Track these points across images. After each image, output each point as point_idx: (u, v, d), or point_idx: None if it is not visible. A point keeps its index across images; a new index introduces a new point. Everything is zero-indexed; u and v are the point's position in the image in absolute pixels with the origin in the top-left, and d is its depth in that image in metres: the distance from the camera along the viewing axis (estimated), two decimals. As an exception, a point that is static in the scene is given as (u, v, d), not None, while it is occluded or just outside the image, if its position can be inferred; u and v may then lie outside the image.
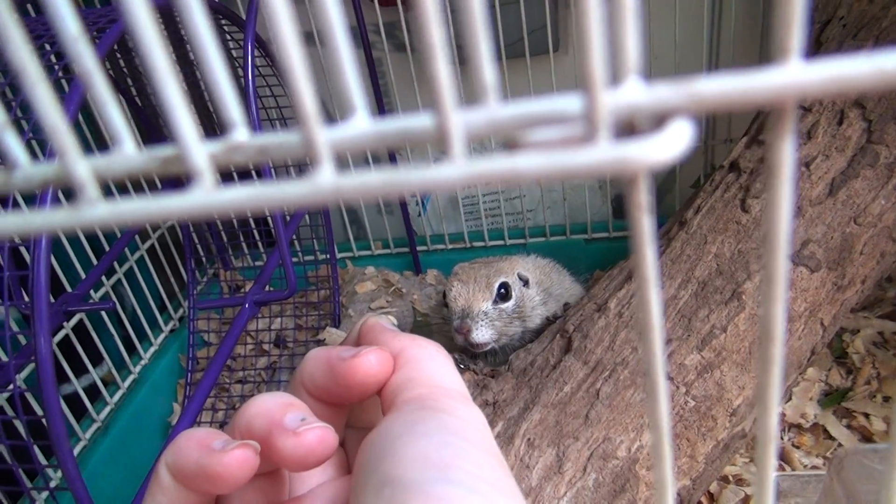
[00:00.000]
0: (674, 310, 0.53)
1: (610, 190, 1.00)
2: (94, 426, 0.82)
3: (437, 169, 0.12)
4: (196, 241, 1.00)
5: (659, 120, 0.12)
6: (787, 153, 0.12)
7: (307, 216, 0.94)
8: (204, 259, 1.04)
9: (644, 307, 0.15)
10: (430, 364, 0.24)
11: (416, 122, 0.13)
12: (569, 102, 0.12)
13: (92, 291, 0.84)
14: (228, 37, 0.73)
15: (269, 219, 1.03)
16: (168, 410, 0.93)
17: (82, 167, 0.14)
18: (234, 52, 0.82)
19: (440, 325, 0.65)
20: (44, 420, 0.35)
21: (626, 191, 0.13)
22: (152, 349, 0.95)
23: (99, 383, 0.84)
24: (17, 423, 0.53)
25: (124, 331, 0.89)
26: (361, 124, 0.13)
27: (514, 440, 0.50)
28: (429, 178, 0.12)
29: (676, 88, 0.12)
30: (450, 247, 1.04)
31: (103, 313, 0.85)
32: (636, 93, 0.12)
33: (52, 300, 0.64)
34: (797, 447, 0.70)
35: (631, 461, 0.48)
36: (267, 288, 0.66)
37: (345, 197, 0.13)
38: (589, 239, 0.99)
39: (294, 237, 0.89)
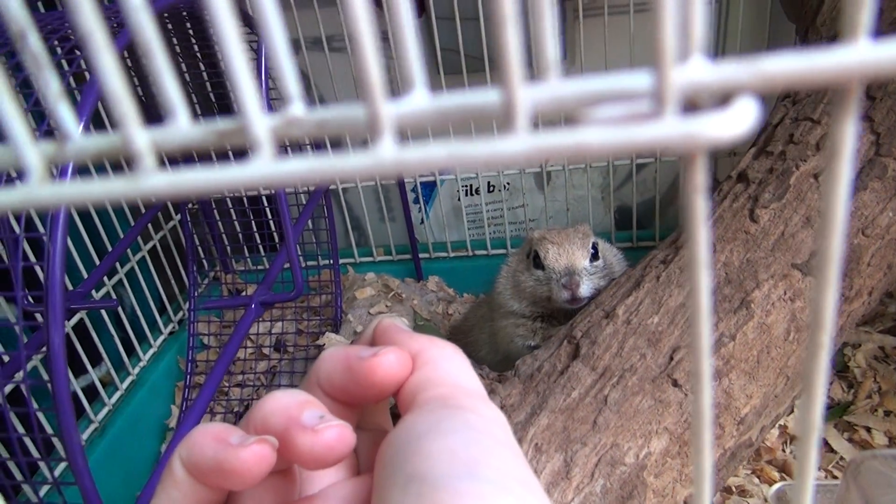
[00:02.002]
0: (682, 317, 0.53)
1: (612, 201, 1.01)
2: (92, 427, 0.81)
3: (502, 142, 0.12)
4: (198, 243, 1.00)
5: (721, 99, 0.12)
6: (849, 133, 0.12)
7: (310, 221, 0.94)
8: (205, 262, 1.04)
9: (695, 293, 0.15)
10: (450, 364, 0.24)
11: (480, 97, 0.13)
12: (636, 79, 0.12)
13: (93, 291, 0.83)
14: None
15: (270, 221, 1.03)
16: (166, 413, 0.92)
17: (142, 137, 0.14)
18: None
19: (534, 287, 0.68)
20: (37, 414, 0.35)
21: (684, 170, 0.13)
22: (151, 351, 0.94)
23: (97, 384, 0.83)
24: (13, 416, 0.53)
25: (123, 332, 0.89)
26: (421, 100, 0.14)
27: (521, 445, 0.50)
28: (493, 150, 0.12)
29: (743, 66, 0.12)
30: (452, 254, 1.04)
31: (104, 313, 0.85)
32: (702, 70, 0.12)
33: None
34: (799, 460, 0.70)
35: (639, 468, 0.48)
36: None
37: (407, 170, 0.13)
38: (591, 249, 1.00)
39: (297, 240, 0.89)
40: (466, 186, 1.03)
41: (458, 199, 1.04)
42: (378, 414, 0.28)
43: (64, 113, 0.15)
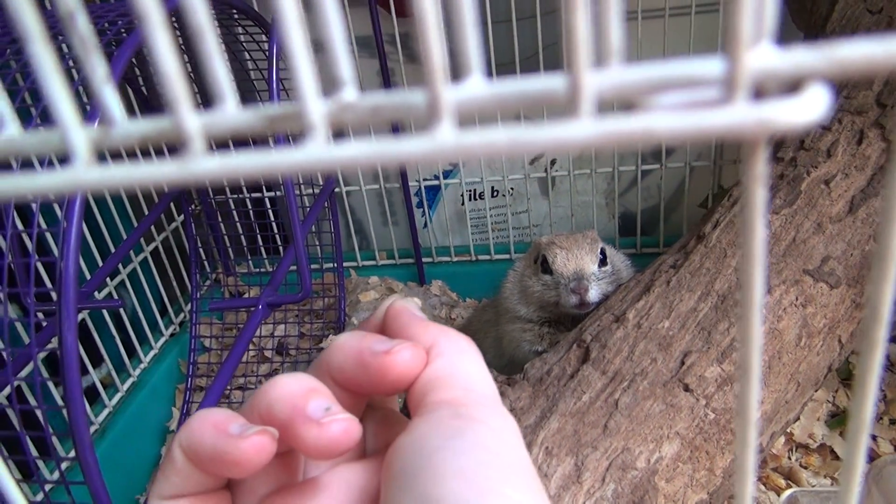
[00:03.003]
0: (693, 322, 0.53)
1: (617, 207, 1.01)
2: (92, 429, 0.80)
3: (566, 127, 0.12)
4: (200, 245, 0.99)
5: (789, 86, 0.12)
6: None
7: (312, 225, 0.93)
8: (206, 264, 1.04)
9: (747, 287, 0.15)
10: (462, 360, 0.24)
11: (542, 82, 0.13)
12: (706, 65, 0.12)
13: (95, 292, 0.83)
14: (243, 30, 0.73)
15: (273, 224, 1.03)
16: (167, 415, 0.92)
17: (193, 121, 0.14)
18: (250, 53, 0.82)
19: (542, 292, 0.68)
20: (36, 413, 0.35)
21: (744, 160, 0.13)
22: (152, 353, 0.93)
23: (98, 385, 0.83)
24: (11, 414, 0.52)
25: (124, 333, 0.88)
26: (479, 86, 0.13)
27: (531, 448, 0.50)
28: (556, 135, 0.12)
29: (815, 53, 0.12)
30: (455, 259, 1.04)
31: (105, 314, 0.84)
32: (773, 56, 0.12)
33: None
34: (805, 467, 0.70)
35: (650, 472, 0.48)
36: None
37: (467, 154, 0.13)
38: (595, 255, 0.99)
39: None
40: (470, 191, 1.03)
41: (462, 204, 1.04)
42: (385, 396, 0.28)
43: (109, 97, 0.15)
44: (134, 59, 0.82)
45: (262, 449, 0.21)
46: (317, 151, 0.13)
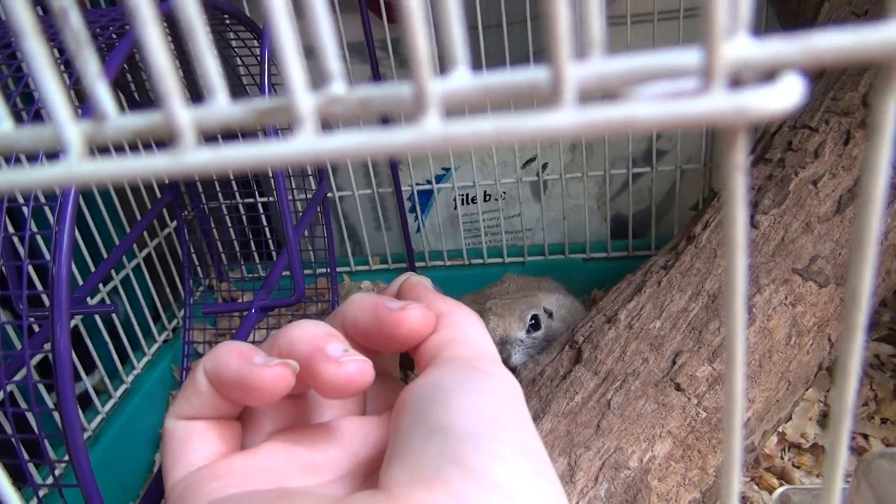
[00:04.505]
0: (684, 322, 0.53)
1: (609, 211, 1.01)
2: (85, 436, 0.80)
3: (549, 116, 0.13)
4: (193, 251, 0.99)
5: (764, 75, 0.13)
6: (891, 111, 0.12)
7: (305, 229, 0.94)
8: (199, 269, 1.04)
9: (730, 277, 0.15)
10: (473, 329, 0.25)
11: (526, 74, 0.13)
12: (684, 55, 0.12)
13: (87, 298, 0.83)
14: (234, 35, 0.74)
15: (266, 229, 1.03)
16: (160, 421, 0.91)
17: (184, 114, 0.14)
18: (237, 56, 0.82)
19: None
20: (35, 416, 0.35)
21: (724, 149, 0.13)
22: (145, 359, 0.93)
23: (91, 391, 0.83)
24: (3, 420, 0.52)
25: (116, 339, 0.88)
26: (464, 77, 0.14)
27: (525, 449, 0.50)
28: (540, 125, 0.13)
29: (791, 43, 0.12)
30: (448, 263, 1.04)
31: (98, 321, 0.84)
32: (750, 46, 0.12)
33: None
34: (797, 467, 0.70)
35: (643, 472, 0.48)
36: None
37: (454, 144, 0.13)
38: (587, 258, 1.00)
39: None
40: (463, 195, 1.04)
41: (455, 208, 1.04)
42: (387, 360, 0.29)
43: (102, 92, 0.15)
44: (125, 65, 0.82)
45: (283, 379, 0.22)
46: (306, 143, 0.13)
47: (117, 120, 0.15)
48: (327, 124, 0.15)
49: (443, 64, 0.14)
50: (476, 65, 0.85)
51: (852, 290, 0.15)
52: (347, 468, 0.25)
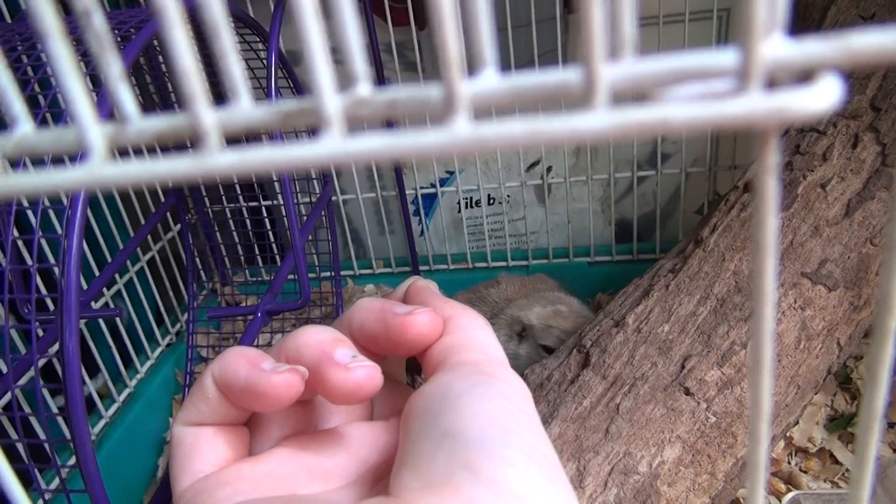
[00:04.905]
0: (693, 326, 0.53)
1: (613, 214, 1.01)
2: (89, 440, 0.80)
3: (582, 118, 0.12)
4: (197, 254, 0.99)
5: (800, 77, 0.12)
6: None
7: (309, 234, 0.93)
8: (203, 273, 1.03)
9: (759, 283, 0.15)
10: (481, 333, 0.25)
11: (557, 75, 0.13)
12: (720, 56, 0.12)
13: (91, 302, 0.82)
14: (246, 44, 0.73)
15: (270, 233, 1.03)
16: (164, 426, 0.91)
17: (209, 116, 0.14)
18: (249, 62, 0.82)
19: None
20: (31, 423, 0.34)
21: (756, 152, 0.13)
22: (149, 363, 0.93)
23: (95, 396, 0.82)
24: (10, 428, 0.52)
25: (120, 344, 0.88)
26: (493, 79, 0.13)
27: (533, 454, 0.50)
28: (573, 126, 0.12)
29: (829, 43, 0.12)
30: (452, 267, 1.04)
31: (102, 325, 0.84)
32: (786, 47, 0.12)
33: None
34: (804, 472, 0.70)
35: (652, 476, 0.48)
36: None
37: (484, 147, 0.13)
38: (591, 262, 1.00)
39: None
40: (467, 199, 1.03)
41: (459, 212, 1.04)
42: (394, 366, 0.29)
43: (124, 94, 0.15)
44: (142, 60, 0.82)
45: (292, 385, 0.22)
46: (333, 145, 0.13)
47: (140, 122, 0.15)
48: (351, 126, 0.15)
49: (470, 66, 0.14)
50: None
51: (885, 295, 0.15)
52: (356, 474, 0.24)
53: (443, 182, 1.02)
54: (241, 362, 0.23)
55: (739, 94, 0.12)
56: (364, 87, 0.14)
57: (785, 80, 0.13)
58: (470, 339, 0.25)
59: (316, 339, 0.23)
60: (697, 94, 0.12)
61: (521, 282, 0.89)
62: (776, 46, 0.12)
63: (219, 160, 0.14)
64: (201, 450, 0.24)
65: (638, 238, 0.97)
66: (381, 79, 0.89)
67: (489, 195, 1.03)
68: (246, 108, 0.14)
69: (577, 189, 1.00)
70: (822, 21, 0.65)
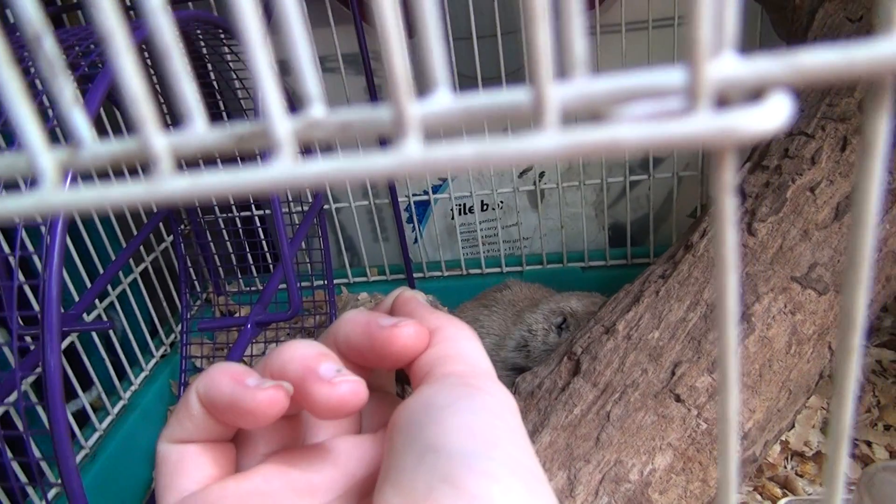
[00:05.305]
0: (683, 332, 0.53)
1: (606, 219, 1.01)
2: (83, 453, 0.79)
3: (532, 139, 0.12)
4: (190, 264, 0.99)
5: (751, 95, 0.12)
6: (883, 127, 0.12)
7: (303, 241, 0.93)
8: (196, 284, 1.03)
9: (722, 296, 0.15)
10: (467, 345, 0.25)
11: (508, 95, 0.13)
12: (668, 75, 0.12)
13: (84, 315, 0.82)
14: (227, 49, 0.73)
15: (263, 243, 1.02)
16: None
17: (160, 141, 0.14)
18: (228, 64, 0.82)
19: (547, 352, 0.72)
20: (29, 438, 0.34)
21: (712, 169, 0.13)
22: (143, 375, 0.93)
23: (88, 408, 0.82)
24: None
25: (113, 355, 0.88)
26: (445, 99, 0.13)
27: (524, 463, 0.49)
28: (523, 148, 0.12)
29: (778, 61, 0.12)
30: (446, 274, 1.04)
31: (95, 337, 0.84)
32: (736, 65, 0.12)
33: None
34: (800, 475, 0.70)
35: (643, 485, 0.48)
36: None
37: (434, 169, 0.13)
38: (585, 267, 1.00)
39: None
40: (460, 205, 1.03)
41: (452, 218, 1.04)
42: (383, 376, 0.29)
43: (78, 119, 0.15)
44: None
45: (277, 402, 0.21)
46: (284, 169, 0.13)
47: (94, 147, 0.15)
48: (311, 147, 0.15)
49: (421, 81, 0.14)
50: (471, 73, 0.85)
51: (846, 312, 0.14)
52: (343, 489, 0.24)
53: (435, 189, 1.02)
54: (225, 379, 0.22)
55: (689, 113, 0.12)
56: (318, 109, 0.14)
57: (737, 98, 0.12)
58: (456, 350, 0.24)
59: (300, 353, 0.23)
60: (648, 113, 0.12)
61: (529, 286, 0.89)
62: (725, 65, 0.12)
63: (171, 185, 0.13)
64: (186, 467, 0.24)
65: (632, 242, 0.97)
66: (371, 86, 0.89)
67: (482, 201, 1.03)
68: (199, 131, 0.14)
69: (571, 194, 1.00)
70: (811, 24, 0.65)
